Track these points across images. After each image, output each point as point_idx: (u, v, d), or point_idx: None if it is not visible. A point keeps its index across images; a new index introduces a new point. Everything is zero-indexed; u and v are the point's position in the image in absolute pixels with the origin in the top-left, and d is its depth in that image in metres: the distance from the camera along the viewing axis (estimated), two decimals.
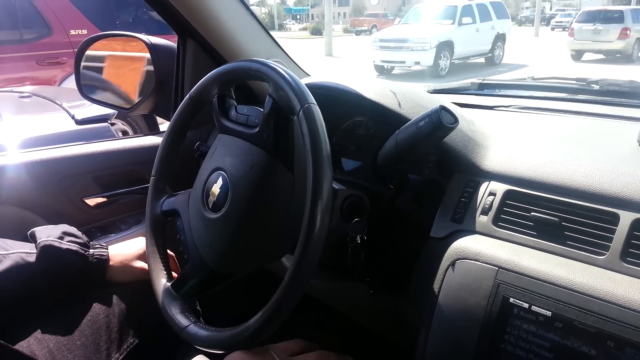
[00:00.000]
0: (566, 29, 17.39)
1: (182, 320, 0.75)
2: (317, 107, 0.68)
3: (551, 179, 0.77)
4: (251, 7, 1.28)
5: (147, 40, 1.37)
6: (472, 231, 0.79)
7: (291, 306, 0.65)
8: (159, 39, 1.39)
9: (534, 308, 0.66)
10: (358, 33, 34.18)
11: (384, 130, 0.90)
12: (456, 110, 0.93)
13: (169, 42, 1.39)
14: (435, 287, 0.77)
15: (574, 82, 1.28)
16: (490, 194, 0.81)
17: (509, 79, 1.50)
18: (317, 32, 30.07)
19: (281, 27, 43.65)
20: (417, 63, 11.12)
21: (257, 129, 0.74)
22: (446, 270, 0.77)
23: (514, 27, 17.91)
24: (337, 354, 0.76)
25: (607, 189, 0.72)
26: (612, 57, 13.31)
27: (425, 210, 0.90)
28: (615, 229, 0.68)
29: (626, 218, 0.68)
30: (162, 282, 0.81)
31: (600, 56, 13.72)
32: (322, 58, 15.65)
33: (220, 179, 0.76)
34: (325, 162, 0.65)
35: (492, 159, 0.86)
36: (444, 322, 0.74)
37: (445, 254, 0.78)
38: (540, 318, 0.66)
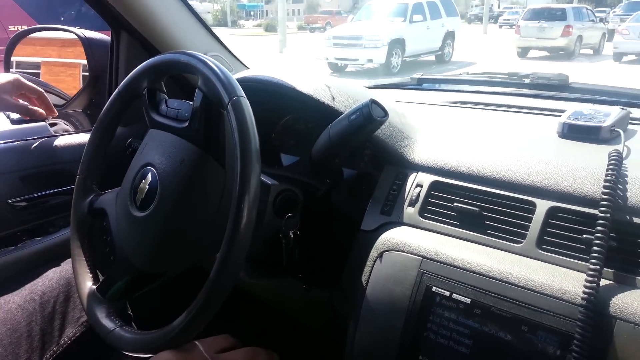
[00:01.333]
0: (513, 27, 17.93)
1: (107, 324, 0.72)
2: (246, 100, 0.67)
3: (473, 169, 0.79)
4: (203, 3, 1.25)
5: (80, 34, 1.33)
6: (400, 223, 0.81)
7: (217, 305, 0.64)
8: (93, 33, 1.34)
9: (454, 296, 0.68)
10: (312, 30, 34.18)
11: (322, 124, 0.91)
12: (388, 103, 0.94)
13: (104, 36, 1.35)
14: (364, 278, 0.78)
15: (507, 76, 1.32)
16: (418, 185, 0.82)
17: (446, 75, 1.54)
18: (271, 28, 29.84)
19: (234, 24, 43.07)
20: (370, 61, 11.19)
21: (187, 123, 0.72)
22: (374, 262, 0.78)
23: (464, 25, 18.30)
24: (265, 349, 0.75)
25: (525, 178, 0.74)
26: (556, 54, 13.84)
27: (360, 203, 0.90)
28: (532, 217, 0.71)
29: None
30: (87, 285, 0.78)
31: (545, 53, 14.23)
32: (276, 55, 15.55)
33: (149, 175, 0.74)
34: (254, 156, 0.64)
35: (420, 151, 0.87)
36: (371, 313, 0.75)
37: (374, 246, 0.79)
38: (460, 305, 0.67)
